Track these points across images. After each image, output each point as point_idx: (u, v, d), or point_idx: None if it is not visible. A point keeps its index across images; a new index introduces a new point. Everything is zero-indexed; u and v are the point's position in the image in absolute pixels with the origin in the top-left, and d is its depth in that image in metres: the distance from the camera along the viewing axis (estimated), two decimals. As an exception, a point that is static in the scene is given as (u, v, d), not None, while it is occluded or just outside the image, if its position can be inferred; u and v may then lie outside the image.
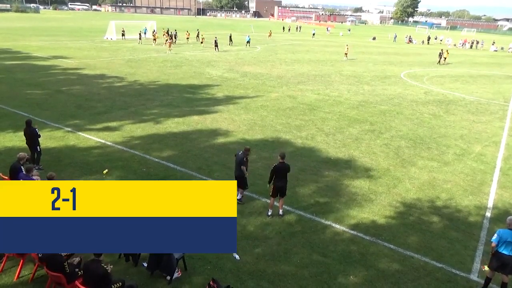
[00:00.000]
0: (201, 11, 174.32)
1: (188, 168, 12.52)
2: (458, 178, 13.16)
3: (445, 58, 43.28)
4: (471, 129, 18.84)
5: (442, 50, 43.88)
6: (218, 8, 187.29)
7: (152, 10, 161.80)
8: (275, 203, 10.11)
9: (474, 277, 8.24)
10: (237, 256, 8.37)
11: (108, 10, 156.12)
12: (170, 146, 14.45)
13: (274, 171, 9.79)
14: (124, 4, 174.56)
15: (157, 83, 25.26)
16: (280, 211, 10.08)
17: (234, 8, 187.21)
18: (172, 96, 21.87)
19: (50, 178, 9.44)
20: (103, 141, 14.55)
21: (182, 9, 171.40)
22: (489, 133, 18.39)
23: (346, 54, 42.62)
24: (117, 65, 30.89)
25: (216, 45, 42.93)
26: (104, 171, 11.84)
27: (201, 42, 47.06)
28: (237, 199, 10.22)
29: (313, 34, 75.20)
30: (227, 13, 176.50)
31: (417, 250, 9.01)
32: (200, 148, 14.37)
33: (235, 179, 10.11)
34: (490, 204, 11.50)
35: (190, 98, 21.84)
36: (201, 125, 17.14)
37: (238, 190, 10.19)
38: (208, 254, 8.32)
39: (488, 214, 10.92)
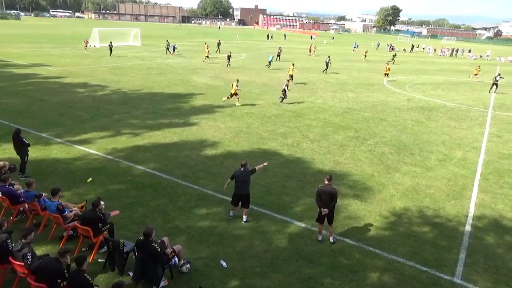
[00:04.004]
0: (185, 19, 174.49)
1: (174, 176, 12.43)
2: (440, 183, 13.43)
3: (475, 75, 40.62)
4: (452, 135, 19.28)
5: (479, 67, 41.01)
6: (203, 16, 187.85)
7: (136, 17, 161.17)
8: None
9: (457, 280, 8.39)
10: (224, 264, 8.33)
11: (91, 17, 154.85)
12: (155, 154, 14.33)
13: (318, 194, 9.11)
14: (107, 12, 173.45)
15: (142, 91, 25.09)
16: (331, 239, 9.46)
17: (219, 16, 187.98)
18: (157, 104, 21.75)
19: (29, 184, 9.30)
20: (86, 149, 14.34)
21: (167, 16, 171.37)
22: (470, 139, 18.84)
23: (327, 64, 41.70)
24: (100, 73, 30.58)
25: (229, 59, 37.68)
26: (88, 180, 11.66)
27: (207, 56, 40.71)
28: (244, 221, 9.98)
29: (269, 37, 79.43)
30: (212, 21, 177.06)
31: (402, 254, 9.13)
32: (186, 156, 14.30)
33: (237, 198, 9.91)
34: (471, 208, 11.76)
35: (175, 106, 21.76)
36: (186, 132, 17.08)
37: (235, 210, 10.10)
38: (195, 262, 8.27)
39: (470, 218, 11.15)
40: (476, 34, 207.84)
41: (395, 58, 50.77)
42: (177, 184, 11.92)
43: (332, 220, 9.31)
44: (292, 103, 23.83)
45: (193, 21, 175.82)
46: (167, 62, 38.88)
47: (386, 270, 8.56)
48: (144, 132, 16.67)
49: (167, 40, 46.06)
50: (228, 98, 22.33)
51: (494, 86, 32.54)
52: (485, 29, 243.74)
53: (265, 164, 10.70)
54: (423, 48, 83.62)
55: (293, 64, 31.45)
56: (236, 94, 22.03)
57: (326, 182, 9.16)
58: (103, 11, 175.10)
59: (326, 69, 38.88)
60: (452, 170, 14.71)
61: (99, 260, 8.19)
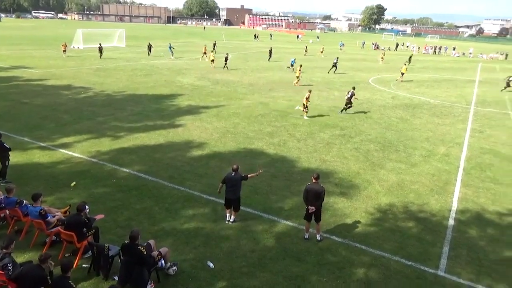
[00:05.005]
0: (171, 19, 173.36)
1: (160, 178, 12.34)
2: (424, 178, 13.62)
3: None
4: (436, 132, 19.57)
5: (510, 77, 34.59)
6: (189, 16, 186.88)
7: (121, 18, 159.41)
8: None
9: (441, 273, 8.53)
10: (211, 265, 8.31)
11: (74, 18, 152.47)
12: (141, 156, 14.21)
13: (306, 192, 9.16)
14: (91, 12, 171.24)
15: (127, 92, 24.84)
16: (318, 236, 9.50)
17: (205, 16, 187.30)
18: (142, 105, 21.56)
19: (9, 190, 9.09)
20: (70, 152, 14.13)
21: (152, 17, 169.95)
22: (453, 135, 19.16)
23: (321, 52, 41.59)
24: (84, 75, 30.17)
25: (226, 61, 36.52)
26: (72, 184, 11.49)
27: (212, 61, 38.01)
28: (231, 221, 10.01)
29: (256, 37, 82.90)
30: (198, 21, 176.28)
31: (387, 250, 9.24)
32: (172, 157, 14.21)
33: (229, 202, 9.85)
34: (455, 202, 11.96)
35: (161, 107, 21.60)
36: (172, 134, 16.97)
37: (231, 213, 10.05)
38: (182, 264, 8.23)
39: (453, 212, 11.34)
40: (459, 32, 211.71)
41: (411, 59, 49.32)
42: (163, 186, 11.84)
43: (319, 218, 9.36)
44: (279, 102, 23.88)
45: (178, 22, 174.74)
46: (153, 63, 38.57)
47: (372, 265, 8.65)
48: (129, 134, 16.51)
49: (149, 43, 45.42)
50: (303, 110, 20.83)
51: (508, 86, 33.38)
52: (468, 27, 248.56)
53: (261, 171, 10.49)
54: (407, 46, 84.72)
55: (301, 65, 31.65)
56: (306, 106, 20.57)
57: (314, 180, 9.22)
58: (87, 12, 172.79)
59: (333, 69, 39.00)
60: (435, 165, 14.93)
61: (83, 265, 8.08)
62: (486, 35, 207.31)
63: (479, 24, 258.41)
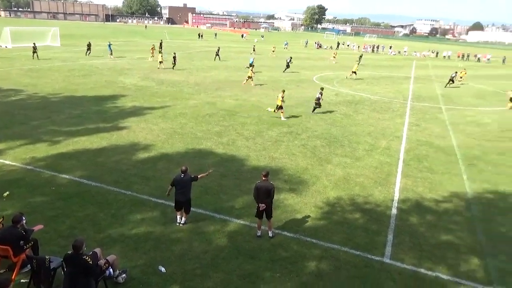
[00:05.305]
0: (110, 17, 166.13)
1: (104, 183, 11.74)
2: (368, 171, 14.28)
3: (461, 77, 39.51)
4: (377, 126, 20.61)
5: (456, 72, 37.87)
6: (129, 15, 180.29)
7: (54, 15, 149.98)
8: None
9: (387, 260, 8.98)
10: (162, 269, 8.05)
11: (0, 15, 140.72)
12: (82, 161, 13.42)
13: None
14: (20, 9, 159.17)
15: (64, 94, 23.36)
16: (270, 233, 9.58)
17: (146, 15, 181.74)
18: (82, 108, 20.39)
19: None
20: (1, 160, 12.99)
21: (89, 15, 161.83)
22: (392, 129, 20.29)
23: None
24: (14, 76, 27.93)
25: (175, 60, 35.79)
26: (5, 194, 10.55)
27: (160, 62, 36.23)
28: (182, 223, 9.77)
29: (200, 36, 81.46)
30: (139, 19, 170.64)
31: (337, 241, 9.54)
32: (116, 161, 13.58)
33: (179, 204, 9.59)
34: (396, 192, 12.66)
35: (103, 109, 20.58)
36: (116, 136, 16.23)
37: (181, 215, 9.79)
38: (132, 270, 7.89)
39: (395, 202, 12.00)
40: (395, 31, 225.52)
41: (361, 59, 51.20)
42: (108, 191, 11.28)
43: (271, 214, 9.44)
44: (226, 102, 23.79)
45: (118, 20, 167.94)
46: (92, 63, 36.67)
47: (323, 258, 8.88)
48: (68, 138, 15.52)
49: (89, 42, 43.01)
50: (274, 111, 20.71)
51: (452, 82, 36.13)
52: (402, 27, 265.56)
53: (210, 171, 10.39)
54: (348, 45, 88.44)
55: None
56: (281, 107, 20.39)
57: (263, 178, 9.27)
58: (15, 9, 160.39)
59: (286, 69, 39.35)
60: (378, 158, 15.71)
61: (21, 280, 7.47)
62: (418, 35, 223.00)
63: (412, 24, 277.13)
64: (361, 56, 53.05)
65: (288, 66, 39.58)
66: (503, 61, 70.71)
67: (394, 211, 11.39)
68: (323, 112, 22.67)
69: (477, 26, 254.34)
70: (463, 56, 75.79)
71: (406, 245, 9.66)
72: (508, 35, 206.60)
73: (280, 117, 20.49)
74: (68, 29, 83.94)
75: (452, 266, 8.96)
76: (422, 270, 8.71)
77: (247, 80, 30.22)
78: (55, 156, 13.64)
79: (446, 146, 17.97)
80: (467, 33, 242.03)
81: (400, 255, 9.19)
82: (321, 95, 22.31)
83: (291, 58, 40.81)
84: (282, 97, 20.36)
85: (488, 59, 73.44)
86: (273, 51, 58.01)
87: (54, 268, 7.26)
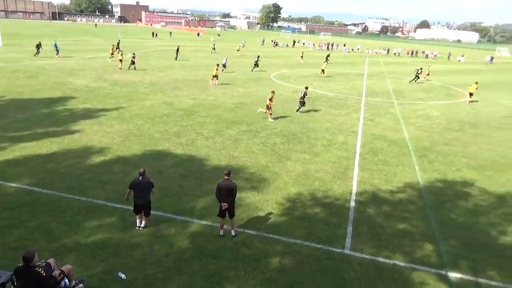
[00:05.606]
0: (56, 15, 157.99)
1: (56, 190, 11.14)
2: (327, 166, 14.61)
3: (428, 74, 40.59)
4: (334, 122, 21.15)
5: (421, 68, 39.27)
6: (77, 13, 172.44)
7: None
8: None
9: (347, 251, 9.24)
10: (123, 275, 7.77)
11: None
12: (31, 167, 12.65)
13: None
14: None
15: (7, 97, 21.91)
16: (233, 232, 9.54)
17: (96, 13, 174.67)
18: (29, 111, 19.21)
19: None
20: None
21: (33, 12, 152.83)
22: (349, 124, 20.91)
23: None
24: (-49, 79, 25.83)
25: (133, 62, 34.42)
26: None
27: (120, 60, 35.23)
28: (142, 227, 9.47)
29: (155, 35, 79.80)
30: (89, 17, 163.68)
31: (299, 236, 9.69)
32: (69, 166, 12.93)
33: (139, 207, 9.27)
34: (354, 185, 13.06)
35: (52, 112, 19.51)
36: (67, 140, 15.45)
37: (141, 219, 9.47)
38: (90, 279, 7.55)
39: (353, 194, 12.38)
40: (348, 29, 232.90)
41: (328, 58, 51.96)
42: (61, 198, 10.71)
43: (233, 213, 9.40)
44: (183, 101, 23.41)
45: (66, 18, 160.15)
46: (38, 64, 34.67)
47: (285, 253, 8.98)
48: (13, 144, 14.56)
49: (39, 42, 40.49)
50: (265, 112, 20.37)
51: (417, 78, 37.84)
52: (355, 25, 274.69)
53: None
54: (304, 43, 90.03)
55: (218, 65, 30.62)
56: (269, 108, 20.13)
57: (225, 177, 9.21)
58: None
59: (254, 67, 39.49)
60: (336, 153, 16.12)
61: (-35, 299, 6.90)
62: (370, 32, 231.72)
63: (364, 23, 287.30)
64: (328, 56, 54.13)
65: (256, 65, 39.80)
66: (448, 57, 75.27)
67: (352, 203, 11.74)
68: (282, 110, 22.91)
69: (424, 24, 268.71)
70: (412, 52, 79.78)
71: (365, 235, 9.99)
72: (452, 33, 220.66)
73: (268, 118, 20.43)
74: (11, 28, 78.87)
75: (408, 253, 9.38)
76: (381, 259, 9.05)
77: (212, 79, 29.94)
78: (0, 163, 12.75)
79: (398, 139, 18.79)
80: (415, 31, 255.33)
81: (360, 246, 9.48)
82: (306, 94, 22.59)
83: (258, 57, 40.96)
84: (271, 98, 20.29)
85: (435, 55, 77.85)
86: (238, 50, 57.93)
87: (3, 282, 6.78)
